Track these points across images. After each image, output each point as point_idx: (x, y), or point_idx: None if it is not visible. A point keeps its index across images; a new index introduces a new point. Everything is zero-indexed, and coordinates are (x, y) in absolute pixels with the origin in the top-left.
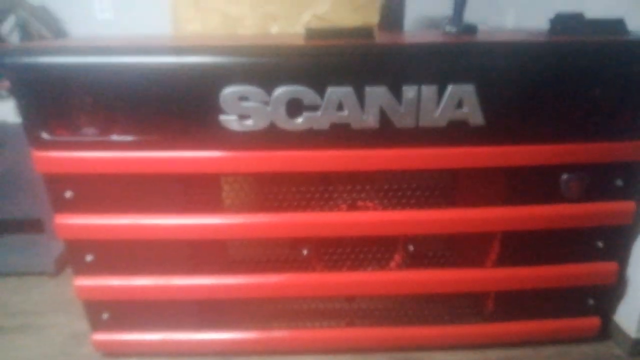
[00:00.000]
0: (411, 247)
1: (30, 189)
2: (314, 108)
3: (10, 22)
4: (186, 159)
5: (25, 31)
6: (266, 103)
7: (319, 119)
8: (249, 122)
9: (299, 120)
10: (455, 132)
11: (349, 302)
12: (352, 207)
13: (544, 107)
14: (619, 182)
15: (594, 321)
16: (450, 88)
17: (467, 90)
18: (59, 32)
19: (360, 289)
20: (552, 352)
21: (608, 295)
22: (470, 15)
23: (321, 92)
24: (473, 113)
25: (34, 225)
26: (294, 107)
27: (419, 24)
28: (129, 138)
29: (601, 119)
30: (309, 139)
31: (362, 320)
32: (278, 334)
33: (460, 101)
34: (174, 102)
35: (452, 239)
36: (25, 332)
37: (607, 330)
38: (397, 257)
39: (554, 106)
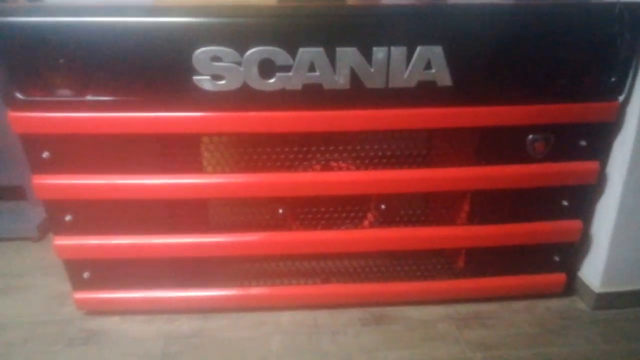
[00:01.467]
0: (383, 206)
1: (12, 157)
2: (286, 69)
3: None
4: (161, 119)
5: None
6: (239, 63)
7: (291, 80)
8: (222, 82)
9: (272, 80)
10: (424, 93)
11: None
12: (326, 167)
13: (510, 69)
14: (583, 143)
15: (559, 277)
16: (418, 49)
17: (435, 52)
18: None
19: (334, 246)
20: (520, 306)
21: (573, 252)
22: None
23: (293, 52)
24: (441, 74)
25: (17, 192)
26: (267, 67)
27: None
28: (104, 98)
29: (566, 80)
30: (282, 99)
31: (337, 277)
32: (256, 291)
33: (428, 62)
34: (148, 63)
35: (424, 198)
36: (7, 293)
37: (572, 286)
38: (370, 216)
39: (520, 68)
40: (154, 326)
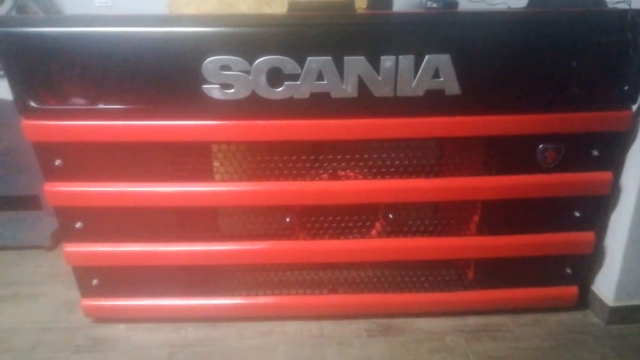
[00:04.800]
0: (391, 216)
1: (28, 167)
2: (294, 77)
3: (7, 4)
4: (171, 128)
5: (22, 13)
6: (247, 72)
7: (299, 88)
8: (231, 91)
9: (280, 89)
10: (432, 102)
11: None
12: (334, 176)
13: (520, 77)
14: (595, 152)
15: (572, 290)
16: (426, 58)
17: (443, 60)
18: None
19: (341, 256)
20: (530, 319)
21: (586, 264)
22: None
23: (301, 61)
24: (449, 82)
25: (31, 202)
26: (275, 76)
27: (408, 7)
28: (115, 107)
29: (577, 89)
30: (290, 108)
31: (345, 287)
32: (263, 300)
33: (436, 71)
34: (158, 72)
35: (433, 208)
36: (18, 300)
37: (585, 300)
38: (378, 226)
39: (530, 77)
40: (160, 334)
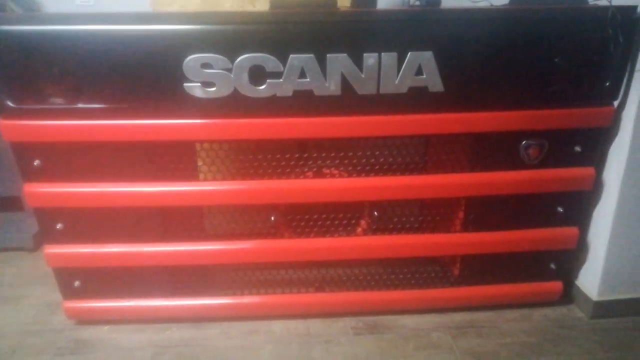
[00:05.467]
0: (376, 213)
1: (9, 168)
2: (276, 75)
3: None
4: (152, 127)
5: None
6: (229, 70)
7: (282, 86)
8: (212, 89)
9: (262, 87)
10: (415, 99)
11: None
12: (318, 174)
13: (502, 74)
14: (578, 148)
15: (556, 285)
16: (409, 55)
17: (425, 57)
18: None
19: (327, 254)
20: (515, 315)
21: (569, 259)
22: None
23: (283, 59)
24: (432, 80)
25: (13, 203)
26: (257, 74)
27: (392, 5)
28: (95, 106)
29: (560, 86)
30: (273, 106)
31: (331, 285)
32: (248, 299)
33: (419, 68)
34: (139, 71)
35: (418, 205)
36: (0, 302)
37: (569, 294)
38: (363, 223)
39: (513, 73)
40: (144, 335)
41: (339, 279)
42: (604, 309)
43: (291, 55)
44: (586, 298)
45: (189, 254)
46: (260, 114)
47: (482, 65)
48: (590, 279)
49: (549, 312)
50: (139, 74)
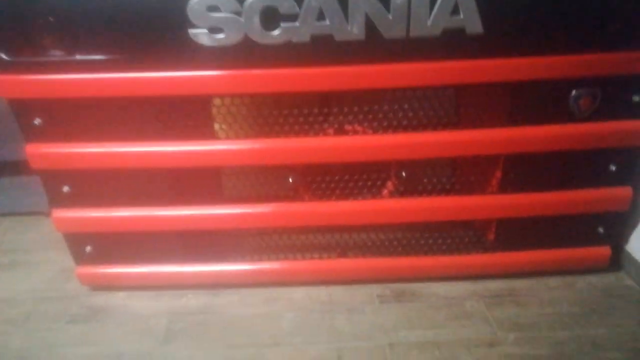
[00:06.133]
0: (404, 174)
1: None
2: (291, 18)
3: None
4: (156, 80)
5: None
6: (238, 13)
7: (298, 30)
8: (220, 36)
9: (276, 32)
10: (451, 43)
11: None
12: (340, 131)
13: (550, 12)
14: (637, 98)
15: (604, 251)
16: None
17: None
18: None
19: (350, 219)
20: (558, 283)
21: (620, 222)
22: None
23: None
24: (470, 20)
25: (25, 167)
26: (270, 17)
27: None
28: (94, 57)
29: (615, 25)
30: (288, 53)
31: (354, 251)
32: (268, 265)
33: (455, 6)
34: (138, 17)
35: (450, 164)
36: (15, 268)
37: (617, 261)
38: (390, 185)
39: (562, 11)
40: (161, 302)
41: (364, 244)
42: None
43: None
44: (637, 265)
45: (203, 218)
46: (273, 64)
47: (527, 2)
48: None
49: (595, 280)
50: (138, 20)
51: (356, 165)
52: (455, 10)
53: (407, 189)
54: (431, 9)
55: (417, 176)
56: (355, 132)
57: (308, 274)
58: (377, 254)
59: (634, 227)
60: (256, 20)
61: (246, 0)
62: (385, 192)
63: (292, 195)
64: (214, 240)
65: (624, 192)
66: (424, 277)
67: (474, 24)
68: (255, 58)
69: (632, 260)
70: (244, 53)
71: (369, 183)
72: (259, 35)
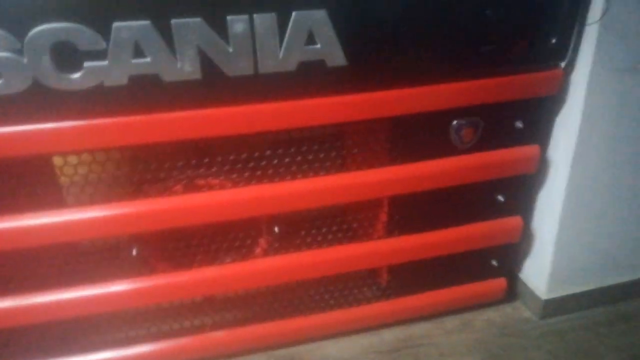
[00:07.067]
0: (276, 229)
1: None
2: (98, 55)
3: None
4: None
5: None
6: (19, 52)
7: (109, 71)
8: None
9: (78, 74)
10: (309, 78)
11: (209, 302)
12: (190, 187)
13: (422, 37)
14: (519, 124)
15: (499, 283)
16: (294, 16)
17: (317, 18)
18: None
19: (219, 285)
20: (456, 323)
21: (513, 253)
22: None
23: (103, 30)
24: (329, 50)
25: None
26: (66, 55)
27: None
28: None
29: (494, 47)
30: (103, 100)
31: (229, 321)
32: (132, 352)
33: (310, 34)
34: None
35: (329, 211)
36: None
37: (514, 289)
38: (263, 242)
39: (435, 35)
40: None
41: (238, 311)
42: (555, 307)
43: (115, 24)
44: (534, 296)
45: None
46: (82, 115)
47: (395, 27)
48: (538, 274)
49: (492, 314)
50: None
51: (217, 225)
52: (310, 40)
53: (282, 245)
54: (281, 39)
55: (292, 229)
56: (211, 187)
57: (177, 355)
58: (256, 320)
59: (526, 255)
60: (46, 59)
61: (27, 34)
62: (258, 250)
63: (140, 268)
64: (58, 333)
65: (515, 222)
66: (313, 337)
67: (334, 55)
68: (53, 109)
69: (528, 290)
70: (38, 103)
71: (237, 243)
72: (53, 79)
